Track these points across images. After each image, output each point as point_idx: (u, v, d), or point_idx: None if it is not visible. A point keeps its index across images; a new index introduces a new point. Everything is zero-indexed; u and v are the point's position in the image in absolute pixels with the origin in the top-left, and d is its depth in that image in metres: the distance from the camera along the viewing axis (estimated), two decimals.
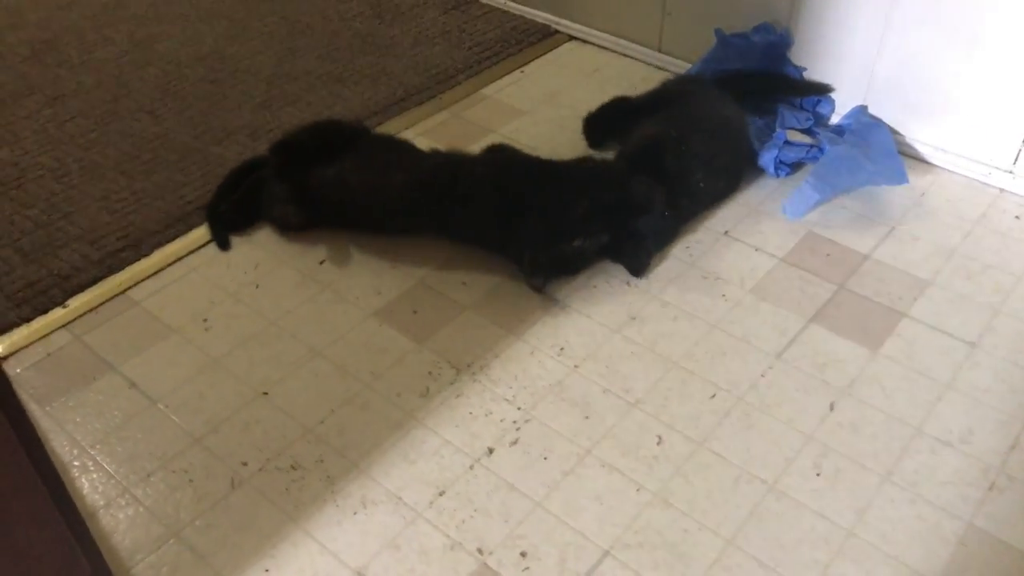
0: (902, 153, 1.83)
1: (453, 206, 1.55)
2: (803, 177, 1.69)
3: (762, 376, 1.38)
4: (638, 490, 1.22)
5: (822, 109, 1.88)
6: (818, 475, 1.24)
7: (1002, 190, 1.73)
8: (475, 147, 1.89)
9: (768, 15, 1.90)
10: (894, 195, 1.74)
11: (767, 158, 1.75)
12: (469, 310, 1.50)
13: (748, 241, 1.63)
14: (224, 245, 1.63)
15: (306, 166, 1.60)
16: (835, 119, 1.89)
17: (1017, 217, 1.67)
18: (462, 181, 1.54)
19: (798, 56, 1.89)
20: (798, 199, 1.67)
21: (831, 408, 1.33)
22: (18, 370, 1.43)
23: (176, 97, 2.04)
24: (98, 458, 1.29)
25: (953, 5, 1.64)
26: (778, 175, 1.77)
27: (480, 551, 1.16)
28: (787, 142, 1.77)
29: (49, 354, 1.45)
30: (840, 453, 1.26)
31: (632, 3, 2.15)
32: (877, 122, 1.81)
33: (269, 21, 2.33)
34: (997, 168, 1.74)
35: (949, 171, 1.79)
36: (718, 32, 1.91)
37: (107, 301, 1.54)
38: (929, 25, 1.69)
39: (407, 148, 1.68)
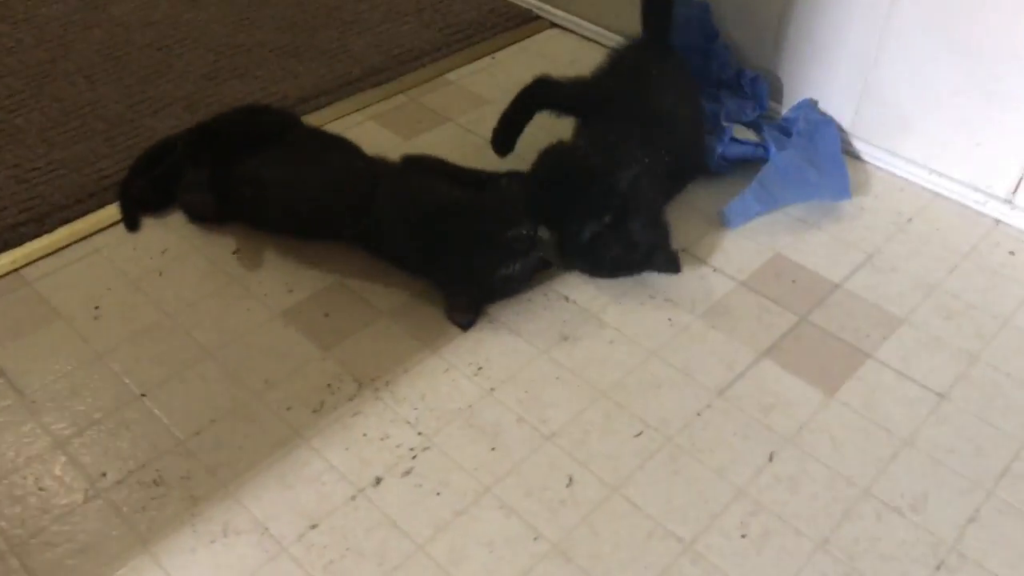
0: (890, 173, 1.67)
1: (370, 221, 1.39)
2: (745, 177, 1.54)
3: (698, 415, 1.23)
4: (536, 539, 1.08)
5: (760, 91, 1.71)
6: (744, 536, 1.08)
7: (998, 221, 1.56)
8: (428, 136, 1.76)
9: (757, 14, 1.73)
10: (878, 218, 1.57)
11: (710, 154, 1.60)
12: (386, 317, 1.36)
13: (707, 260, 1.47)
14: (132, 225, 1.50)
15: (224, 156, 1.46)
16: (784, 110, 1.73)
17: (1011, 253, 1.50)
18: (377, 200, 1.38)
19: (786, 57, 1.73)
20: (739, 208, 1.53)
21: (770, 459, 1.17)
22: None
23: (118, 63, 1.90)
24: None
25: (957, 15, 1.47)
26: (718, 172, 1.61)
27: None
28: (733, 138, 1.61)
29: None
30: (772, 512, 1.11)
31: None
32: (826, 120, 1.66)
33: None
34: (994, 197, 1.56)
35: (942, 196, 1.62)
36: None
37: None
38: (931, 34, 1.51)
39: (336, 145, 1.51)
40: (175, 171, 1.52)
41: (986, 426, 1.22)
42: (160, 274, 1.43)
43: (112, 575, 1.03)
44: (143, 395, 1.24)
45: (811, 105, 1.70)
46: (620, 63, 1.66)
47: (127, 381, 1.26)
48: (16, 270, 1.43)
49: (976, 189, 1.58)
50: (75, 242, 1.48)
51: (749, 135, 1.68)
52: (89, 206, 1.53)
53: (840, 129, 1.68)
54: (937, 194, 1.62)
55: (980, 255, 1.50)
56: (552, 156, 1.49)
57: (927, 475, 1.16)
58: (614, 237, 1.37)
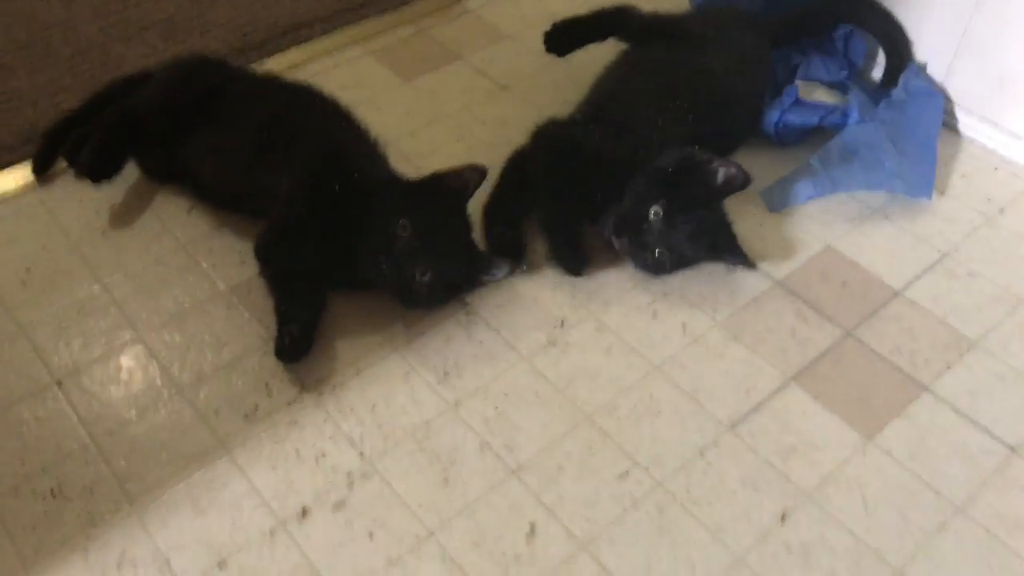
0: (983, 147, 1.37)
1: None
2: (811, 150, 1.28)
3: (700, 454, 1.00)
4: None
5: (854, 48, 1.41)
6: None
7: None
8: (432, 77, 1.52)
9: None
10: (961, 206, 1.28)
11: (768, 119, 1.33)
12: (347, 302, 1.16)
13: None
14: (40, 168, 1.31)
15: (157, 134, 1.26)
16: (878, 72, 1.43)
17: None
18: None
19: None
20: (785, 189, 1.28)
21: (782, 519, 0.95)
22: None
23: None
24: None
25: None
26: (781, 142, 1.34)
27: None
28: (797, 100, 1.33)
29: None
30: None
31: None
32: (931, 92, 1.36)
33: None
34: None
35: None
36: None
37: None
38: None
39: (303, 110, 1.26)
40: (122, 126, 1.30)
41: None
42: (103, 234, 1.25)
43: None
44: (59, 382, 1.08)
45: (917, 70, 1.39)
46: (698, 17, 1.46)
47: (46, 363, 1.10)
48: None
49: None
50: (18, 192, 1.32)
51: (823, 97, 1.40)
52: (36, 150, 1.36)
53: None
54: None
55: None
56: (558, 139, 1.24)
57: (982, 559, 0.92)
58: (679, 220, 1.13)
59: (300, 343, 1.08)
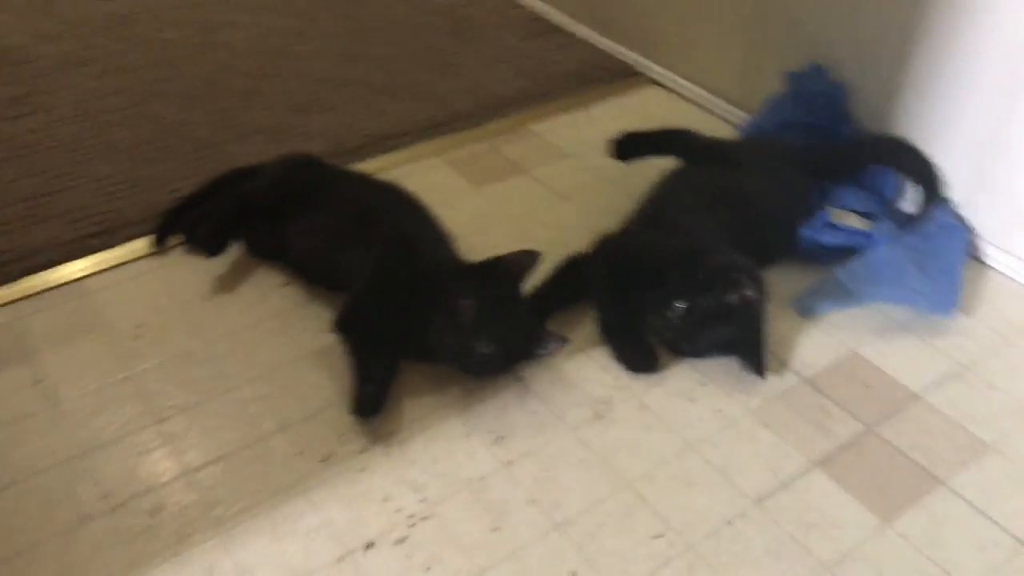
0: (1005, 275, 1.49)
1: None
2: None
3: (729, 523, 1.10)
4: None
5: (886, 189, 1.55)
6: None
7: None
8: (498, 186, 1.71)
9: (866, 84, 1.60)
10: (982, 326, 1.40)
11: (803, 238, 1.47)
12: (415, 371, 1.30)
13: (773, 349, 1.34)
14: (160, 241, 1.52)
15: (264, 219, 1.46)
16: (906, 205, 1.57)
17: None
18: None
19: (897, 122, 1.58)
20: (813, 299, 1.39)
21: None
22: None
23: (218, 89, 1.97)
24: None
25: None
26: (813, 259, 1.48)
27: None
28: (829, 224, 1.47)
29: None
30: None
31: (715, 52, 1.90)
32: (957, 226, 1.48)
33: (340, 23, 2.24)
34: None
35: None
36: (792, 75, 1.66)
37: (56, 287, 1.45)
38: None
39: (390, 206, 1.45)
40: (234, 211, 1.50)
41: None
42: (208, 299, 1.43)
43: None
44: (161, 420, 1.23)
45: (945, 205, 1.53)
46: (747, 146, 1.65)
47: (150, 404, 1.25)
48: (79, 279, 1.47)
49: None
50: (139, 258, 1.51)
51: (854, 223, 1.54)
52: (156, 224, 1.56)
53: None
54: None
55: None
56: (617, 246, 1.40)
57: None
58: (711, 312, 1.27)
59: (375, 400, 1.22)
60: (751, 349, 1.29)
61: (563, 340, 1.27)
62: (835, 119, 1.64)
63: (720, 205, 1.44)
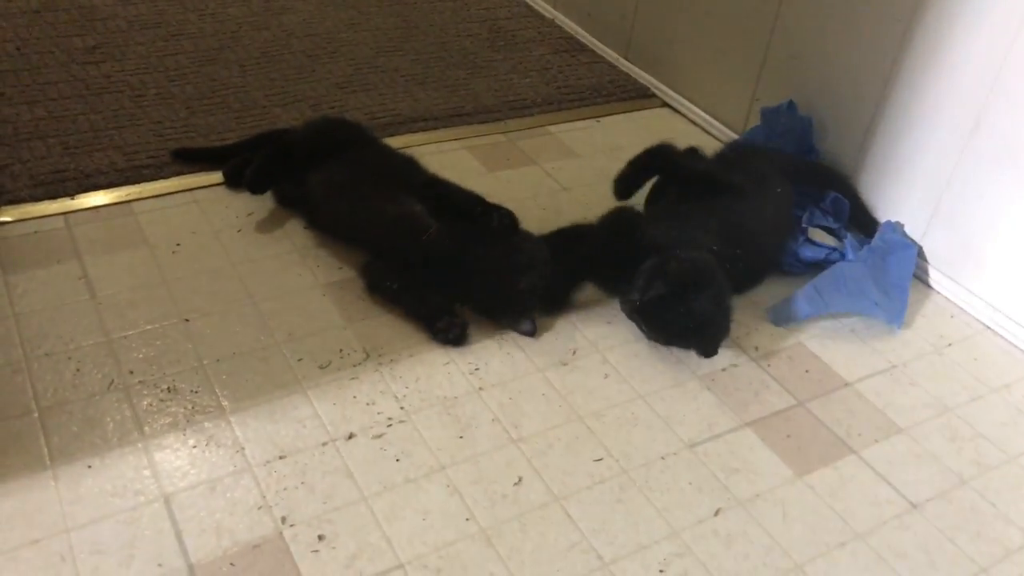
0: (945, 298, 1.66)
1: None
2: (804, 280, 1.57)
3: (661, 458, 1.27)
4: (468, 519, 1.15)
5: (840, 210, 1.73)
6: (661, 572, 1.11)
7: None
8: (510, 173, 1.90)
9: (852, 122, 1.78)
10: (917, 336, 1.56)
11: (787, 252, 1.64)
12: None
13: (732, 336, 1.50)
14: (233, 182, 1.72)
15: (299, 163, 1.65)
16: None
17: None
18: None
19: (869, 166, 1.76)
20: (787, 308, 1.55)
21: (716, 513, 1.20)
22: (8, 237, 1.55)
23: (272, 60, 2.18)
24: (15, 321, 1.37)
25: None
26: (791, 271, 1.65)
27: (284, 520, 1.13)
28: (808, 239, 1.65)
29: (36, 232, 1.57)
30: (699, 560, 1.13)
31: (726, 83, 2.09)
32: (907, 243, 1.65)
33: (389, 20, 2.46)
34: None
35: (992, 331, 1.59)
36: (765, 110, 1.87)
37: (108, 205, 1.66)
38: (1006, 168, 1.52)
39: (404, 170, 1.65)
40: (275, 160, 1.71)
41: (949, 544, 1.19)
42: (239, 231, 1.63)
43: (108, 450, 1.19)
44: (187, 320, 1.42)
45: (894, 227, 1.70)
46: (736, 158, 1.77)
47: (179, 306, 1.44)
48: (128, 201, 1.67)
49: None
50: (181, 191, 1.72)
51: (828, 240, 1.71)
52: (203, 166, 1.77)
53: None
54: (988, 328, 1.60)
55: (1011, 393, 1.46)
56: (624, 217, 1.58)
57: (868, 570, 1.14)
58: (676, 303, 1.40)
59: (460, 331, 1.43)
60: (708, 334, 1.44)
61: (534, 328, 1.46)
62: (802, 151, 1.83)
63: (714, 217, 1.58)
